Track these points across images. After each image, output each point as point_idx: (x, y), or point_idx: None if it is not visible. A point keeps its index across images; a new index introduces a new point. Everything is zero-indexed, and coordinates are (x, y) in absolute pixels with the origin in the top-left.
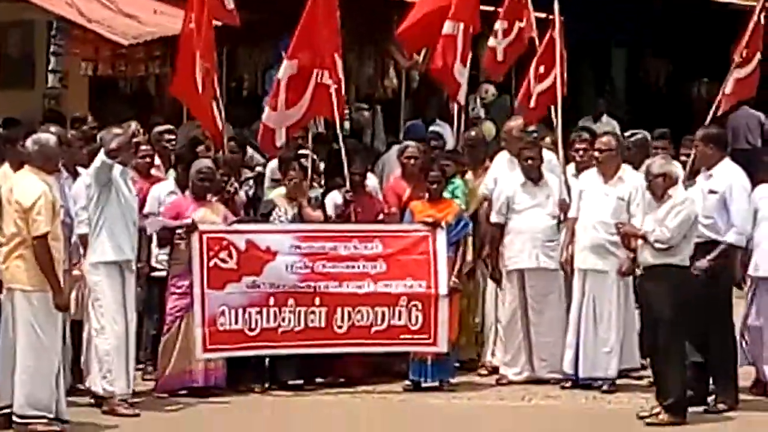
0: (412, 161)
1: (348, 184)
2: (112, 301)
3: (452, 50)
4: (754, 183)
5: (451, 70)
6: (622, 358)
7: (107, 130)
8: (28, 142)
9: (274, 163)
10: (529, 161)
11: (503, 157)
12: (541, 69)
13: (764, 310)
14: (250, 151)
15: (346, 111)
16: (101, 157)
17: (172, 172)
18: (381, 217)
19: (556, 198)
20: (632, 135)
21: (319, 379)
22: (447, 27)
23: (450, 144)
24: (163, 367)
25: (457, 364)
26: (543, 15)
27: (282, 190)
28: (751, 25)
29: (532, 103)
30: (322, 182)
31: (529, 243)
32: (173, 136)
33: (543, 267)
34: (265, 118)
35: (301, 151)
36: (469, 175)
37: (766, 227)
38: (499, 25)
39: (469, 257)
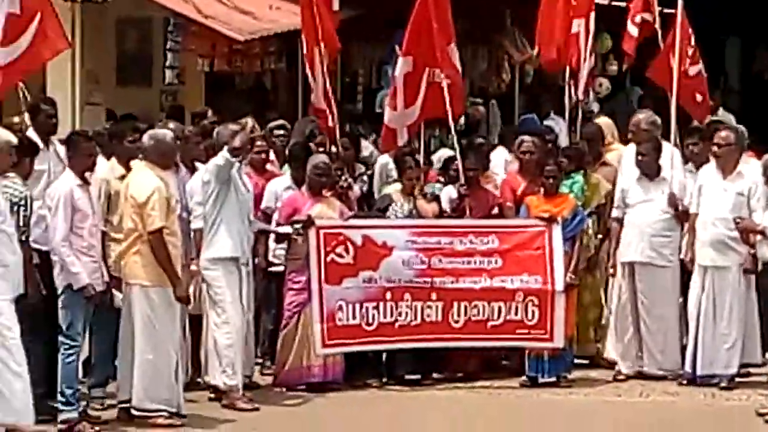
0: (527, 156)
1: (462, 178)
2: (230, 296)
3: (576, 48)
4: None
5: (578, 66)
6: (743, 353)
7: (224, 125)
8: (145, 138)
9: (384, 159)
10: (642, 157)
11: (630, 151)
12: (687, 64)
13: None
14: (370, 147)
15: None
16: (224, 154)
17: (287, 168)
18: (494, 211)
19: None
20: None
21: (435, 375)
22: (574, 26)
23: (562, 138)
24: (282, 362)
25: (576, 360)
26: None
27: (398, 185)
28: None
29: (698, 98)
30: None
31: (638, 237)
32: (283, 132)
33: (650, 262)
34: (386, 119)
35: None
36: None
37: None
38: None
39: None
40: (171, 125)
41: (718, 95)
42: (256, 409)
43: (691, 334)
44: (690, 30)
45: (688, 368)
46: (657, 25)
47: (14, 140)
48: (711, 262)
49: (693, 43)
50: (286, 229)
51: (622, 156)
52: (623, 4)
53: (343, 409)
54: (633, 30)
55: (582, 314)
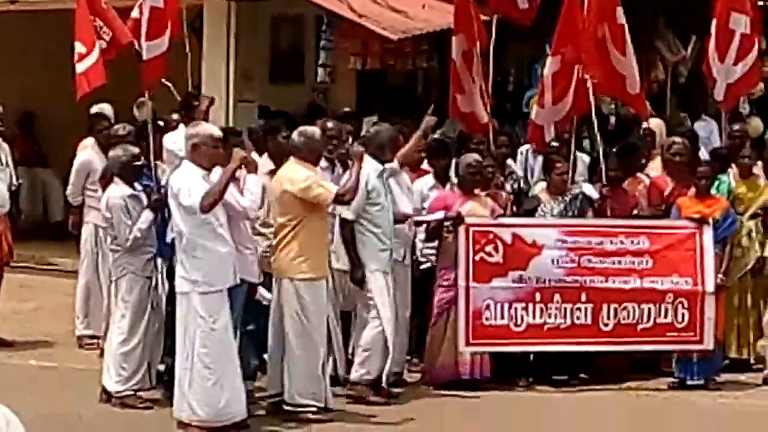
0: (677, 158)
1: (604, 179)
2: (381, 294)
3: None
4: None
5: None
6: None
7: (379, 125)
8: (294, 135)
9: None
10: None
11: None
12: None
13: None
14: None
15: (612, 106)
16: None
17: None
18: (635, 212)
19: None
20: None
21: (583, 375)
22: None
23: (715, 139)
24: (431, 359)
25: (726, 362)
26: None
27: (543, 184)
28: None
29: None
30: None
31: None
32: (453, 134)
33: None
34: (533, 116)
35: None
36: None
37: None
38: None
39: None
40: (329, 124)
41: None
42: (386, 403)
43: None
44: None
45: None
46: None
47: (219, 133)
48: None
49: None
50: (438, 215)
51: None
52: None
53: (489, 408)
54: None
55: (731, 316)
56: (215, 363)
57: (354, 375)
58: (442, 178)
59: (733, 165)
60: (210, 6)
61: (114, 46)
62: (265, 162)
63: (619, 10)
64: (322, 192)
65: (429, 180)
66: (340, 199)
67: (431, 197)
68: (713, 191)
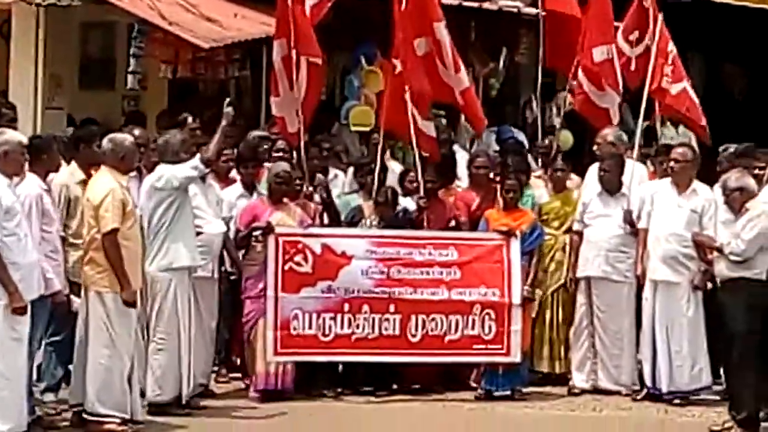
0: (481, 171)
1: (422, 190)
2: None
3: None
4: None
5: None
6: (692, 374)
7: (171, 133)
8: (104, 142)
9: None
10: (605, 172)
11: (595, 166)
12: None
13: None
14: None
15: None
16: (197, 165)
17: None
18: (452, 224)
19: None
20: (725, 149)
21: (393, 386)
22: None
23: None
24: (249, 369)
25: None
26: None
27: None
28: None
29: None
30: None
31: (596, 252)
32: (269, 143)
33: (606, 277)
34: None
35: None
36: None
37: None
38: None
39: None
40: (136, 132)
41: None
42: (189, 415)
43: (646, 350)
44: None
45: (648, 383)
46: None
47: (25, 140)
48: (663, 278)
49: (671, 60)
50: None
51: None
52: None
53: (297, 418)
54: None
55: (539, 329)
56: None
57: (150, 395)
58: (249, 187)
59: (547, 179)
60: (18, 11)
61: None
62: (73, 170)
63: (439, 26)
64: (106, 219)
65: (237, 189)
66: (108, 237)
67: (239, 206)
68: (520, 205)
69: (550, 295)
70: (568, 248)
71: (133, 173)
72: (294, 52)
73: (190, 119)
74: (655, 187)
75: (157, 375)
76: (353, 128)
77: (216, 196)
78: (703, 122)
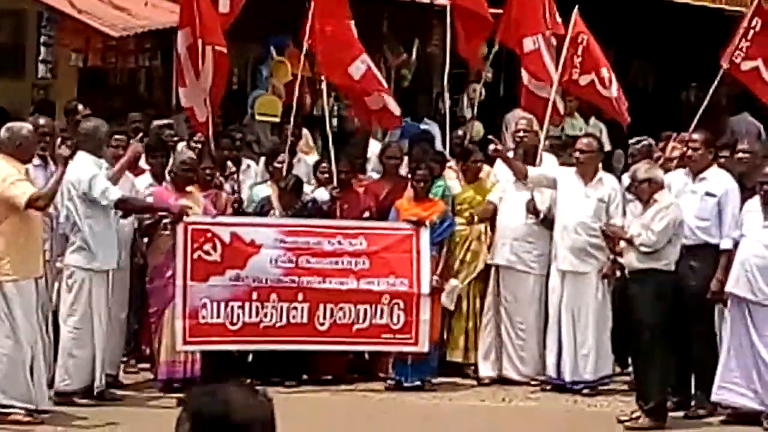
0: (392, 161)
1: (335, 181)
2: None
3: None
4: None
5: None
6: (597, 364)
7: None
8: (2, 130)
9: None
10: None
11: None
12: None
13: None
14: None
15: (335, 107)
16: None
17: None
18: (366, 215)
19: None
20: (638, 142)
21: (304, 376)
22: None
23: (437, 143)
24: (156, 358)
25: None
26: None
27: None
28: (741, 30)
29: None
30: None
31: (502, 240)
32: (172, 131)
33: (512, 267)
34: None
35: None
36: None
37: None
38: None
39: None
40: (41, 120)
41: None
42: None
43: (552, 340)
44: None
45: (552, 374)
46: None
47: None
48: (570, 268)
49: (580, 53)
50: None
51: None
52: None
53: None
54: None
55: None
56: None
57: (58, 384)
58: (158, 177)
59: (458, 169)
60: None
61: None
62: None
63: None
64: (17, 194)
65: (146, 178)
66: (33, 204)
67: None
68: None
69: (466, 286)
70: (483, 237)
71: (38, 161)
72: (200, 41)
73: (80, 107)
74: (562, 174)
75: (68, 365)
76: (258, 117)
77: (132, 184)
78: (622, 108)
